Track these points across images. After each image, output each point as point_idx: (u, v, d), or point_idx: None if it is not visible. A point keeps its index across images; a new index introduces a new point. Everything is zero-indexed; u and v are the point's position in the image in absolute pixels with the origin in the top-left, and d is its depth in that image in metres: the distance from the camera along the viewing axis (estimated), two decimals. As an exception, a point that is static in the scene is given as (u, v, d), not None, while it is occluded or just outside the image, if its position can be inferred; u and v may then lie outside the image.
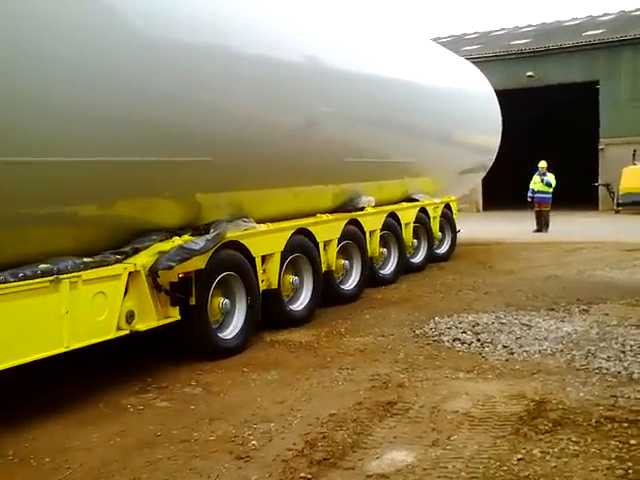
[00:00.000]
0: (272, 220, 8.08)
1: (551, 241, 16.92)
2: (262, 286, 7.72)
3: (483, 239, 17.33)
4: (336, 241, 9.32)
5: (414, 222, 11.97)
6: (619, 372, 6.04)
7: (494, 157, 16.06)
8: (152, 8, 6.06)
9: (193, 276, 6.66)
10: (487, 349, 6.95)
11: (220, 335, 7.10)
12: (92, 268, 5.67)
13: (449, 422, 5.04)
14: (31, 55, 4.94)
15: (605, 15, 35.69)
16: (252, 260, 7.48)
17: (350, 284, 9.90)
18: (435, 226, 12.95)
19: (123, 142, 5.82)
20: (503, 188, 29.28)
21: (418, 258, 12.47)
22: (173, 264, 6.23)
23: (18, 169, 5.06)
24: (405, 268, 11.70)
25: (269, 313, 7.87)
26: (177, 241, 6.46)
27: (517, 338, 7.28)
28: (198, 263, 6.61)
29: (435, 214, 12.93)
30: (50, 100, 5.14)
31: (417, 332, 7.75)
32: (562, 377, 5.97)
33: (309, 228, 8.69)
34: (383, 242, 10.93)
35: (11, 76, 4.85)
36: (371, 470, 4.32)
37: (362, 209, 10.12)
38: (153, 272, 6.22)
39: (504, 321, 8.05)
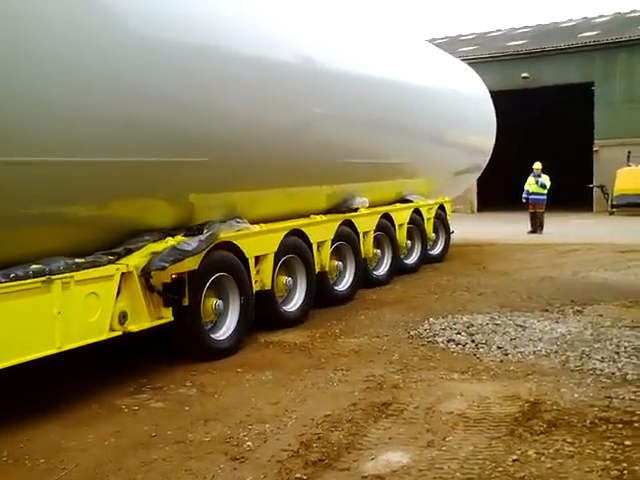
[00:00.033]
0: (266, 221, 8.06)
1: (545, 242, 16.95)
2: (255, 287, 7.70)
3: (477, 240, 17.36)
4: (330, 242, 9.31)
5: (408, 223, 11.97)
6: (613, 373, 6.06)
7: (488, 158, 16.08)
8: (149, 9, 6.06)
9: (186, 277, 6.64)
10: (482, 350, 6.96)
11: (213, 336, 7.07)
12: (84, 269, 5.65)
13: (444, 423, 5.05)
14: (29, 55, 4.93)
15: (600, 17, 35.82)
16: (245, 261, 7.46)
17: (344, 285, 9.89)
18: (429, 227, 12.96)
19: (120, 142, 5.81)
20: (498, 189, 29.38)
21: (412, 259, 12.47)
22: (166, 265, 6.22)
23: (16, 169, 5.04)
24: (399, 269, 11.70)
25: (262, 314, 7.85)
26: (170, 242, 6.44)
27: (511, 339, 7.29)
28: (191, 264, 6.59)
29: (429, 215, 12.93)
30: (48, 100, 5.13)
31: (412, 333, 7.75)
32: (556, 378, 5.98)
33: (303, 229, 8.68)
34: (377, 243, 10.93)
35: (9, 76, 4.84)
36: (366, 471, 4.32)
37: (356, 210, 10.11)
38: (146, 273, 6.19)
39: (498, 322, 8.06)
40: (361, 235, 10.24)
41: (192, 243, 6.51)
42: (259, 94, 7.40)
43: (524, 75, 29.46)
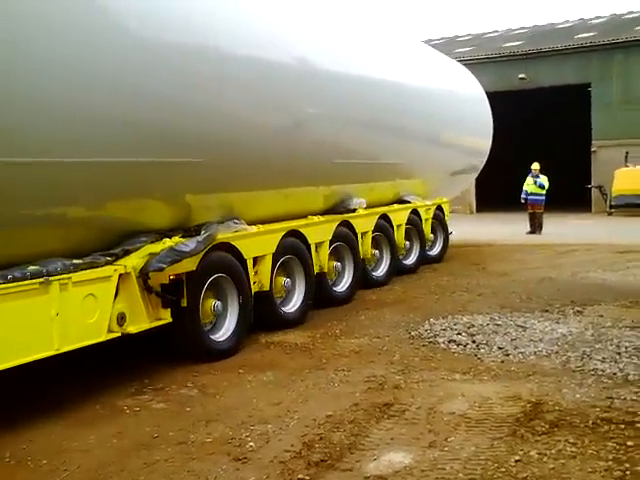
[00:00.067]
0: (263, 222, 8.06)
1: (544, 243, 16.97)
2: (254, 288, 7.69)
3: (476, 241, 17.37)
4: (328, 243, 9.30)
5: (406, 224, 11.98)
6: (615, 373, 6.07)
7: (485, 159, 16.11)
8: (146, 9, 6.05)
9: (184, 278, 6.63)
10: (482, 350, 6.97)
11: (212, 337, 7.06)
12: (82, 270, 5.63)
13: (446, 423, 5.05)
14: (28, 55, 4.93)
15: (597, 18, 35.91)
16: (244, 262, 7.45)
17: (342, 286, 9.88)
18: (427, 228, 12.97)
19: (117, 143, 5.80)
20: (496, 190, 29.40)
21: (410, 260, 12.47)
22: (164, 266, 6.20)
23: (13, 169, 5.03)
24: (397, 270, 11.70)
25: (261, 315, 7.84)
26: (168, 243, 6.42)
27: (512, 340, 7.30)
28: (189, 265, 6.58)
29: (427, 216, 12.94)
30: (46, 100, 5.12)
31: (412, 334, 7.76)
32: (558, 378, 5.98)
33: (300, 230, 8.67)
34: (375, 244, 10.93)
35: (7, 76, 4.83)
36: (369, 472, 4.32)
37: (353, 211, 10.11)
38: (144, 274, 6.17)
39: (499, 323, 8.07)
40: (359, 236, 10.24)
41: (190, 244, 6.49)
42: (256, 94, 7.39)
43: (521, 76, 29.49)
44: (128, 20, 5.83)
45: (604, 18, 35.52)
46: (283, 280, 8.37)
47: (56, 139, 5.27)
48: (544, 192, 19.90)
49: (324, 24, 9.76)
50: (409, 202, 12.31)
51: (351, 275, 9.97)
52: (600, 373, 6.09)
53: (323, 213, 9.54)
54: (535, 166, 20.23)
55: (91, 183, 5.71)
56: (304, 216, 9.02)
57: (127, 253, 6.19)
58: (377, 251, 11.04)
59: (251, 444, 4.81)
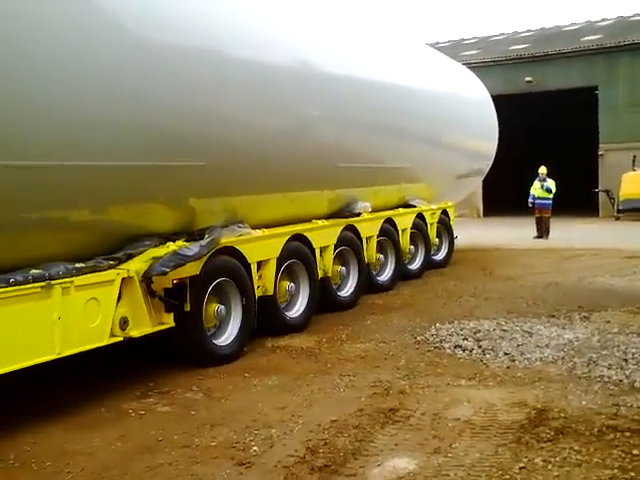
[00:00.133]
0: (268, 226, 8.03)
1: (551, 247, 16.92)
2: (258, 292, 7.65)
3: (483, 245, 17.35)
4: (332, 247, 9.27)
5: (411, 228, 11.93)
6: (621, 380, 6.04)
7: (491, 162, 16.06)
8: (146, 11, 6.04)
9: (187, 282, 6.61)
10: (488, 356, 6.95)
11: (215, 342, 7.04)
12: (84, 274, 5.61)
13: (451, 430, 5.04)
14: (27, 57, 4.92)
15: (603, 20, 35.80)
16: (247, 266, 7.42)
17: (347, 291, 9.84)
18: (432, 232, 12.93)
19: (117, 146, 5.79)
20: (504, 194, 29.33)
21: (415, 265, 12.42)
22: (167, 270, 6.18)
23: (13, 173, 5.02)
24: (402, 275, 11.67)
25: (265, 320, 7.80)
26: (171, 247, 6.41)
27: (518, 345, 7.27)
28: (192, 269, 6.56)
29: (432, 220, 12.90)
30: (45, 103, 5.11)
31: (418, 338, 7.74)
32: (564, 385, 5.96)
33: (305, 234, 8.63)
34: (380, 248, 10.90)
35: (6, 78, 4.82)
36: (373, 477, 4.32)
37: (358, 215, 10.06)
38: (147, 278, 6.15)
39: (505, 328, 8.04)
40: (364, 240, 10.19)
41: (193, 248, 6.47)
42: (257, 98, 7.36)
43: (527, 79, 29.40)
44: (128, 22, 5.80)
45: (610, 20, 35.40)
46: (287, 285, 8.34)
47: (56, 142, 5.26)
48: (551, 196, 19.84)
49: (328, 26, 9.73)
50: (414, 206, 12.26)
51: (356, 280, 9.92)
52: (606, 380, 6.06)
53: (328, 217, 9.51)
54: (542, 170, 20.16)
55: (92, 186, 5.70)
56: (308, 220, 8.99)
57: (130, 257, 6.17)
58: (382, 256, 11.01)
59: (255, 448, 4.80)
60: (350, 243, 9.81)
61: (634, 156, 25.84)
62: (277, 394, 6.00)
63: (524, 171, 25.23)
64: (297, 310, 8.50)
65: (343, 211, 9.88)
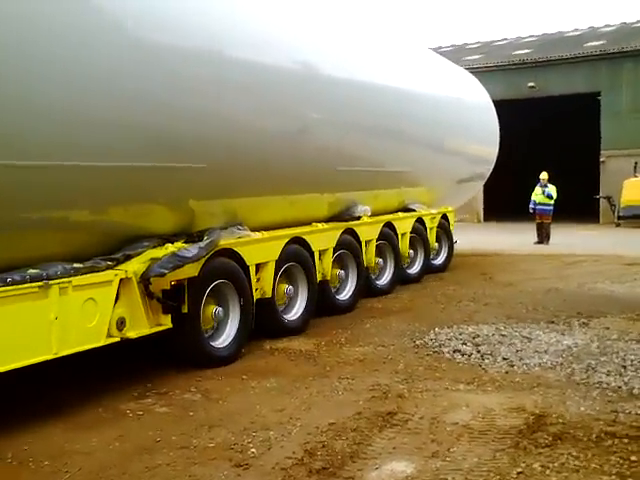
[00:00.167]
0: (267, 228, 8.01)
1: (551, 253, 16.92)
2: (256, 295, 7.64)
3: (483, 250, 17.34)
4: (331, 250, 9.25)
5: (410, 232, 11.90)
6: (619, 387, 6.03)
7: (492, 167, 16.06)
8: (145, 12, 6.03)
9: (186, 284, 6.59)
10: (487, 361, 6.94)
11: (213, 344, 7.03)
12: (82, 274, 5.60)
13: (449, 434, 5.03)
14: (27, 57, 4.92)
15: (606, 26, 35.87)
16: (246, 268, 7.41)
17: (345, 294, 9.83)
18: (432, 237, 12.90)
19: (118, 147, 5.78)
20: (504, 199, 29.35)
21: (414, 269, 12.39)
22: (165, 271, 6.16)
23: (12, 173, 5.01)
24: (401, 279, 11.66)
25: (263, 322, 7.79)
26: (170, 248, 6.40)
27: (517, 350, 7.27)
28: (191, 271, 6.55)
29: (432, 225, 12.87)
30: (45, 102, 5.10)
31: (417, 343, 7.74)
32: (562, 391, 5.95)
33: (304, 237, 8.62)
34: (379, 252, 10.87)
35: (6, 78, 4.82)
36: (370, 481, 4.32)
37: (358, 218, 10.05)
38: (145, 279, 6.14)
39: (504, 333, 8.04)
40: (363, 244, 10.16)
41: (192, 250, 6.46)
42: (257, 99, 7.35)
43: (530, 84, 29.43)
44: (127, 23, 5.79)
45: (613, 26, 35.46)
46: (285, 287, 8.32)
47: (56, 142, 5.25)
48: (552, 202, 19.85)
49: (329, 28, 9.70)
50: (414, 210, 12.26)
51: (354, 283, 9.90)
52: (605, 386, 6.06)
53: (327, 220, 9.49)
54: (543, 176, 20.18)
55: (92, 187, 5.69)
56: (308, 223, 8.98)
57: (128, 258, 6.16)
58: (381, 259, 11.00)
59: (253, 450, 4.80)
60: (349, 247, 9.79)
61: (635, 163, 25.87)
62: (275, 396, 6.00)
63: (525, 176, 25.26)
64: (295, 313, 8.49)
65: (343, 214, 9.88)
